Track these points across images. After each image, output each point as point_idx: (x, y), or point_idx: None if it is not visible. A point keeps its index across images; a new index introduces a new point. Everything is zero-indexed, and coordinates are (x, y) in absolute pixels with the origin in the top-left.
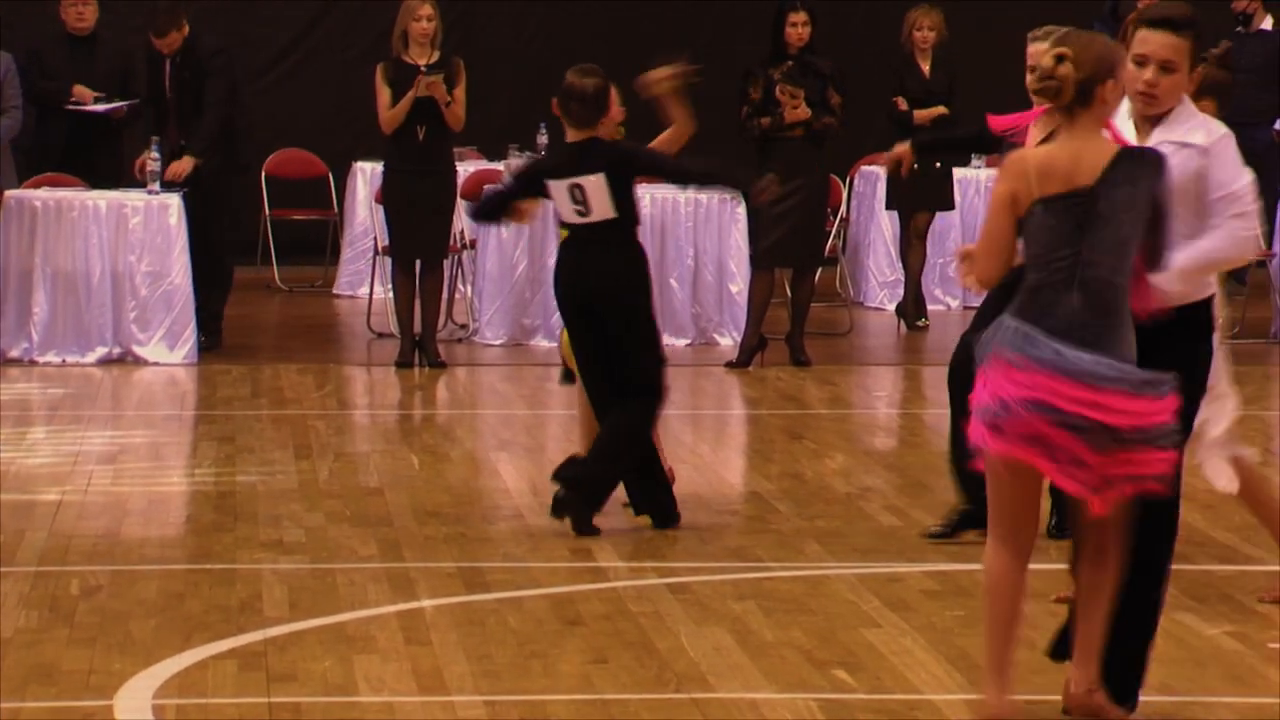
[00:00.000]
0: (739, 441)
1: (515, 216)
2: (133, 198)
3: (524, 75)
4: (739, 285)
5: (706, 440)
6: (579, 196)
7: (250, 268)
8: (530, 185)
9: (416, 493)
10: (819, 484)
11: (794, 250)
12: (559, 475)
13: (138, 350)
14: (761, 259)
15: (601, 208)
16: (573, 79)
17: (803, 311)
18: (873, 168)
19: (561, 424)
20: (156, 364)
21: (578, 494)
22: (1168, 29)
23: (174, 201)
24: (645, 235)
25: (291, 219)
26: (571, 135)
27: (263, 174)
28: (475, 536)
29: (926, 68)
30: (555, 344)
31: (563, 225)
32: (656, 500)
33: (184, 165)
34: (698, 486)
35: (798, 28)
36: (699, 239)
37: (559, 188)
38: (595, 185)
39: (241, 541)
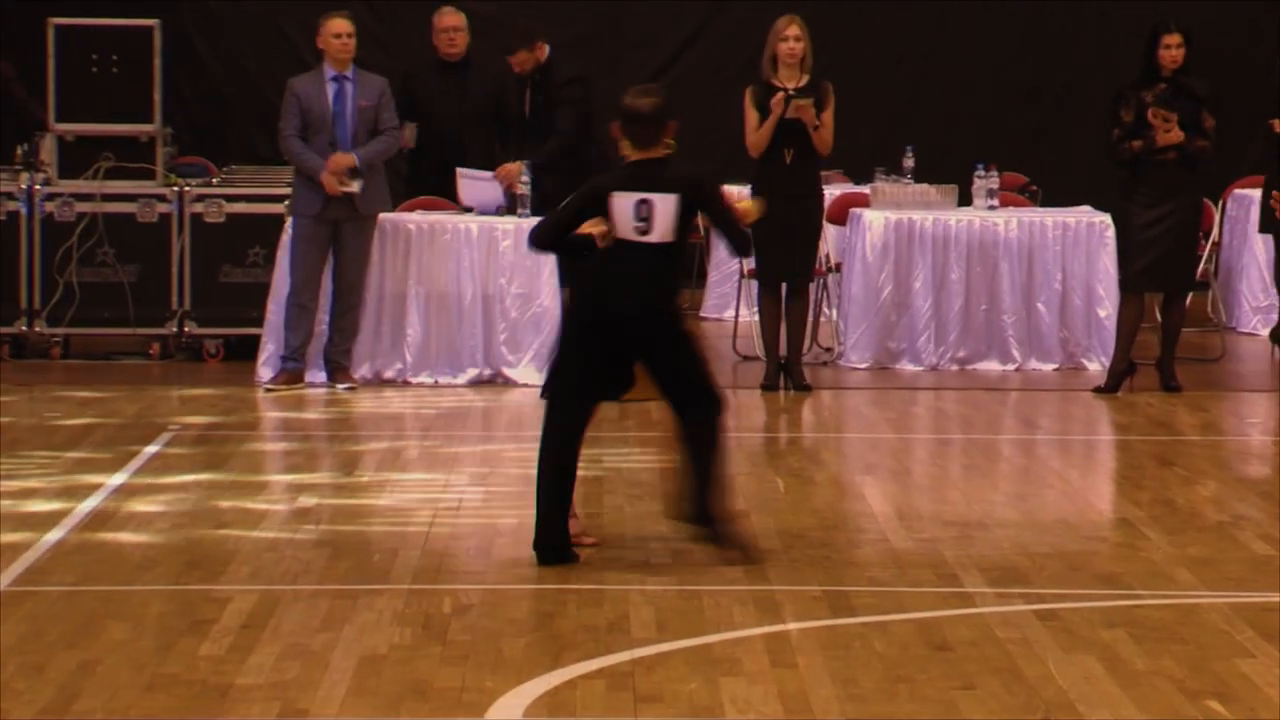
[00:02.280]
0: (1108, 467)
1: (586, 242)
2: (504, 221)
3: (891, 97)
4: (1108, 310)
5: (1075, 466)
6: (644, 213)
7: None
8: (592, 203)
9: (782, 515)
10: (1190, 511)
11: (1165, 274)
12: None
13: (508, 372)
14: (1131, 283)
15: (663, 229)
16: (630, 100)
17: (1173, 336)
18: (1246, 191)
19: (928, 448)
20: (526, 385)
21: (720, 528)
22: None
23: None
24: (1012, 257)
25: None
26: (633, 155)
27: None
28: (841, 560)
29: None
30: (919, 367)
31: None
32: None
33: (513, 168)
34: (1066, 512)
35: (1171, 49)
36: (1067, 262)
37: (624, 201)
38: (664, 205)
39: (609, 562)
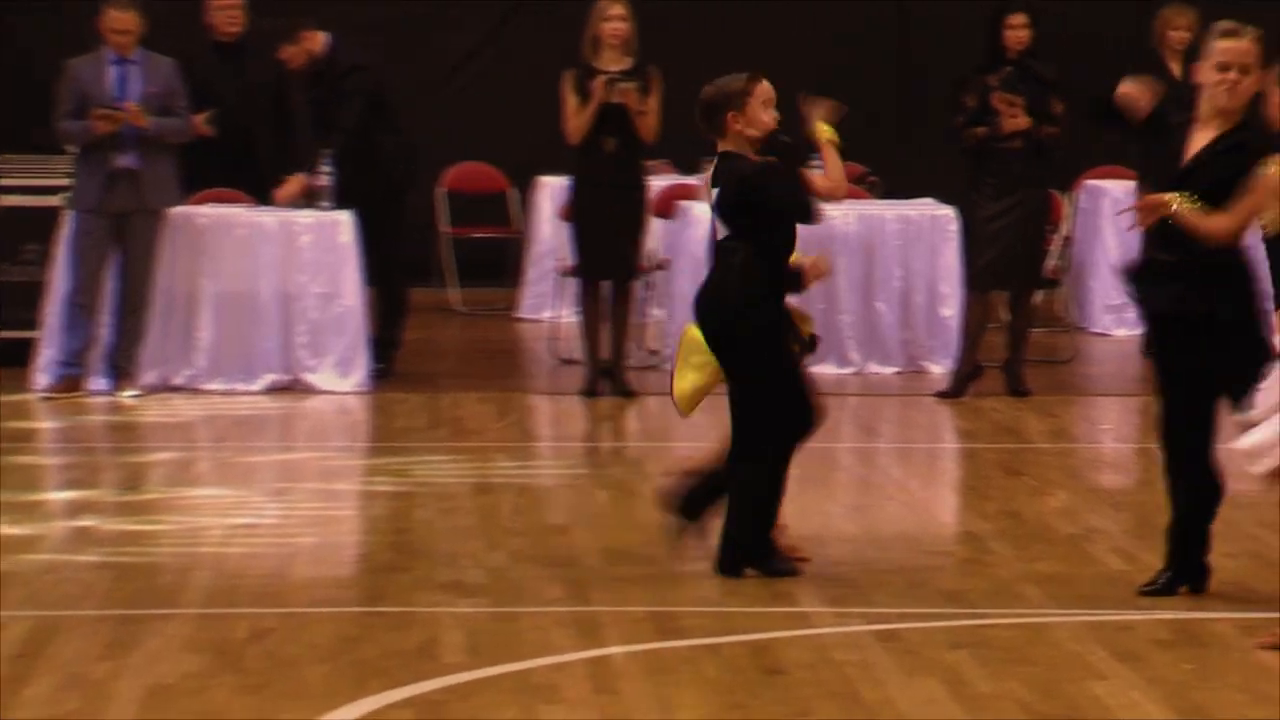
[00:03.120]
0: (952, 477)
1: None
2: (303, 215)
3: None
4: (952, 309)
5: (917, 475)
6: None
7: (427, 290)
8: None
9: (605, 531)
10: (1039, 524)
11: (1012, 271)
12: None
13: (308, 378)
14: (977, 280)
15: (721, 224)
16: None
17: (1021, 337)
18: (1098, 182)
19: None
20: (328, 392)
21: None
22: None
23: (345, 219)
24: (849, 253)
25: (471, 237)
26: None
27: (440, 190)
28: (667, 578)
29: (1179, 70)
30: None
31: None
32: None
33: (293, 187)
34: (907, 525)
35: (1017, 30)
36: (908, 258)
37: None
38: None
39: (418, 582)
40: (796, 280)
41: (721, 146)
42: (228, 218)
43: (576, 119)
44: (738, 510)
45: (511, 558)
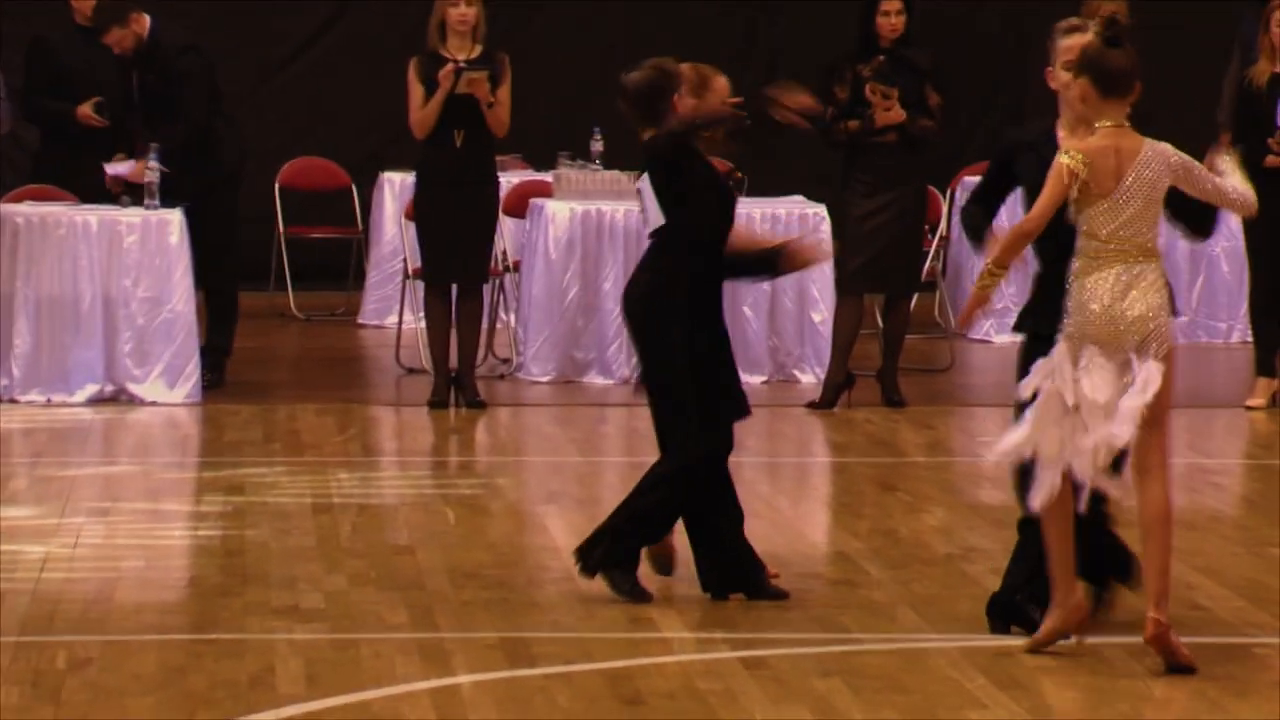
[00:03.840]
0: (822, 493)
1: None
2: (129, 214)
3: (577, 72)
4: (823, 314)
5: (785, 492)
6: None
7: (261, 293)
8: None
9: (452, 551)
10: (915, 542)
11: (886, 273)
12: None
13: (133, 388)
14: (848, 283)
15: (654, 214)
16: (625, 75)
17: (896, 344)
18: (977, 179)
19: (619, 472)
20: (154, 404)
21: (600, 550)
22: None
23: (174, 218)
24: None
25: (309, 237)
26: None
27: (276, 186)
28: (520, 602)
29: None
30: (610, 380)
31: None
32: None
33: (138, 168)
34: (775, 545)
35: (890, 17)
36: None
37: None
38: (644, 187)
39: (252, 607)
40: (770, 263)
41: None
42: (46, 216)
43: (422, 111)
44: (625, 508)
45: (351, 581)
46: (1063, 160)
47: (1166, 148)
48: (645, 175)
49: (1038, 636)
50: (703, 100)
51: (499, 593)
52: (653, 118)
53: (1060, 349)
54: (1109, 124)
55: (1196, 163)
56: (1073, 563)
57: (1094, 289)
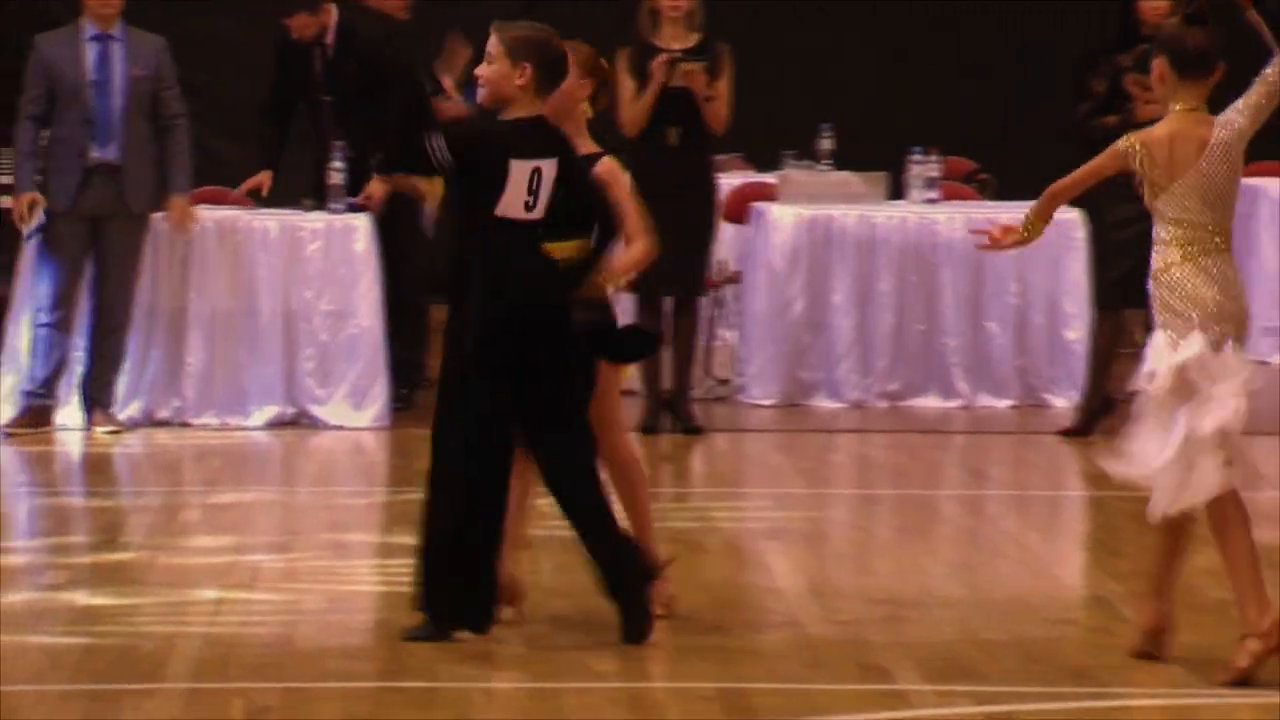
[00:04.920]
0: (1077, 530)
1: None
2: (311, 219)
3: (804, 63)
4: (1077, 331)
5: (1036, 528)
6: (534, 185)
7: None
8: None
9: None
10: (1182, 586)
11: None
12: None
13: (315, 410)
14: (1107, 297)
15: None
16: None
17: None
18: (1256, 181)
19: (850, 506)
20: (338, 427)
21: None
22: None
23: (361, 223)
24: (955, 265)
25: None
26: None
27: None
28: (739, 648)
29: None
30: (840, 404)
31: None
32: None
33: (377, 189)
34: (1023, 588)
35: (1154, 2)
36: (1025, 271)
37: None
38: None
39: (444, 653)
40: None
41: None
42: (221, 222)
43: (633, 106)
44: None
45: (554, 624)
46: (1120, 143)
47: (1230, 119)
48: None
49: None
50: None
51: (716, 638)
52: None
53: (1194, 338)
54: (1180, 107)
55: (1251, 91)
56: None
57: (1198, 275)
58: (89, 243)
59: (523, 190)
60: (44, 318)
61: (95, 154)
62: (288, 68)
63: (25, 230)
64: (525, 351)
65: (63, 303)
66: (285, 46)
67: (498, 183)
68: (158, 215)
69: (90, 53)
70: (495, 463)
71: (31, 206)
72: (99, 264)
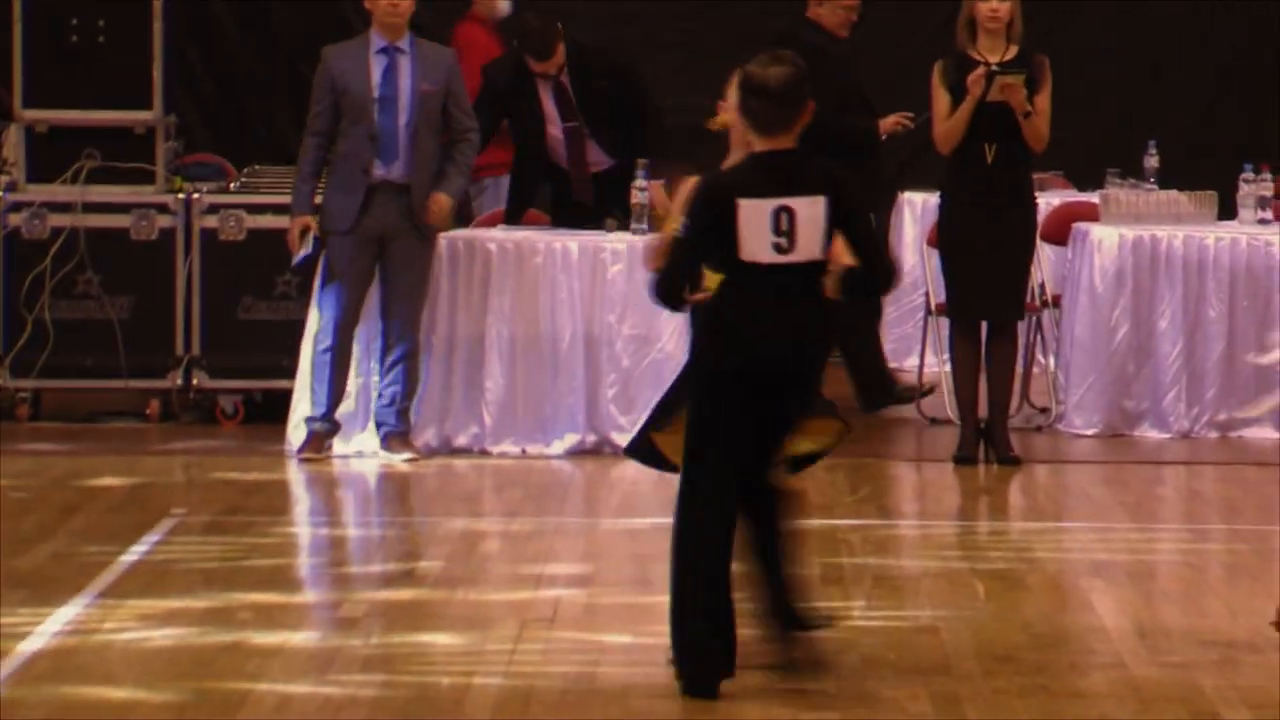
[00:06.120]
0: None
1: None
2: (614, 239)
3: (1127, 77)
4: None
5: None
6: (785, 224)
7: None
8: (713, 219)
9: (982, 631)
10: None
11: None
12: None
13: (618, 438)
14: None
15: (809, 244)
16: (755, 69)
17: None
18: None
19: (1179, 542)
20: None
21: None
22: None
23: None
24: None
25: None
26: (759, 144)
27: None
28: (1062, 690)
29: None
30: (1167, 434)
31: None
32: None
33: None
34: None
35: None
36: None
37: (756, 211)
38: (810, 211)
39: (746, 690)
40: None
41: (787, 144)
42: (522, 243)
43: (948, 121)
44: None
45: (865, 662)
46: None
47: None
48: (821, 198)
49: None
50: None
51: (1037, 679)
52: (794, 122)
53: None
54: None
55: None
56: None
57: None
58: (373, 264)
59: None
60: (326, 342)
61: (379, 172)
62: (502, 112)
63: (295, 257)
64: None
65: (345, 327)
66: (496, 95)
67: None
68: (454, 234)
69: (377, 66)
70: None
71: (304, 232)
72: (384, 286)
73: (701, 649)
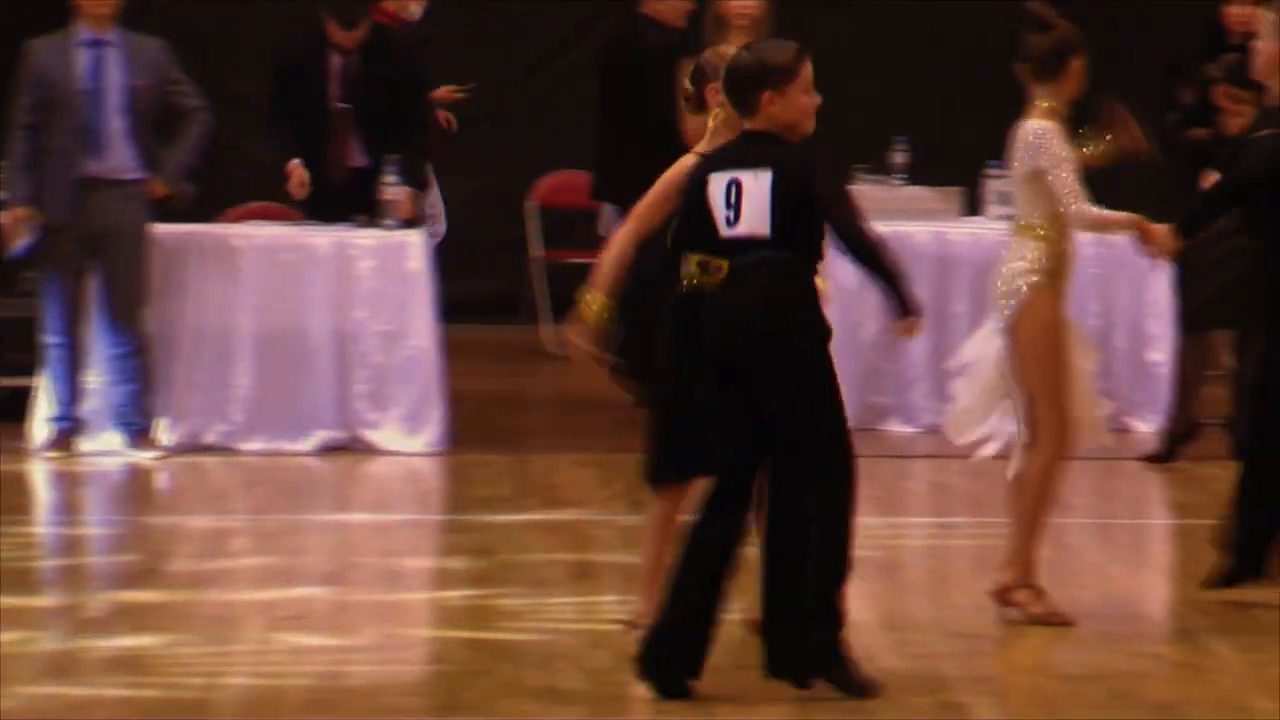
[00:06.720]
0: (1161, 560)
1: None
2: (363, 235)
3: (876, 75)
4: (1162, 354)
5: (1119, 558)
6: (733, 198)
7: (512, 326)
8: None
9: (732, 626)
10: (1271, 619)
11: (1236, 307)
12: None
13: (368, 435)
14: (1193, 320)
15: (753, 217)
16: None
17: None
18: None
19: (924, 533)
20: (392, 453)
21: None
22: None
23: (414, 240)
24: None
25: (565, 262)
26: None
27: (528, 205)
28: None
29: None
30: (915, 429)
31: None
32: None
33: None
34: (1108, 620)
35: (1242, 7)
36: (1108, 292)
37: (717, 184)
38: (753, 184)
39: (505, 688)
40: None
41: (750, 126)
42: (271, 239)
43: None
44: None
45: (617, 659)
46: None
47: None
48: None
49: None
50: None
51: None
52: (748, 107)
53: None
54: None
55: None
56: None
57: None
58: (89, 260)
59: None
60: (55, 339)
61: (91, 167)
62: (293, 76)
63: (11, 249)
64: None
65: (72, 323)
66: (291, 55)
67: None
68: (206, 230)
69: (84, 59)
70: None
71: (19, 223)
72: (100, 283)
73: (684, 650)
